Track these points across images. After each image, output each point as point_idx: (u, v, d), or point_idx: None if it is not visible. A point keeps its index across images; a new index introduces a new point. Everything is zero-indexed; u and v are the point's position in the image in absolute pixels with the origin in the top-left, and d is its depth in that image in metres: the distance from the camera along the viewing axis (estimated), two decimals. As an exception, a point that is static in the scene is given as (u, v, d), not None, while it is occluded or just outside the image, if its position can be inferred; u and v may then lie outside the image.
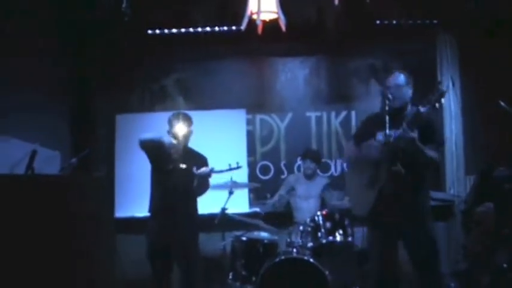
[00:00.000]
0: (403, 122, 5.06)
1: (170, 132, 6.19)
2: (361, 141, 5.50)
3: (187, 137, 6.23)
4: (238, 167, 6.38)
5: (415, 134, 4.98)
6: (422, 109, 4.95)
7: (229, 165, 6.32)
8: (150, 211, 6.29)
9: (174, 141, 6.02)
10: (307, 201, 7.63)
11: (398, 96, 5.24)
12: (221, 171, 6.32)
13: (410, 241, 5.26)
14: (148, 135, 6.10)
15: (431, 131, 5.23)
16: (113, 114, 8.43)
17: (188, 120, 6.26)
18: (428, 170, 5.48)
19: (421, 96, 5.21)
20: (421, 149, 5.03)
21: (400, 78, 5.34)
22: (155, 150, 6.09)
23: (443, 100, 4.98)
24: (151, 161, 6.20)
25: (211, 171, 6.17)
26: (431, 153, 5.15)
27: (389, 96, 5.17)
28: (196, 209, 6.39)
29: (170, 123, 6.22)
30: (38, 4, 6.95)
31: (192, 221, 6.25)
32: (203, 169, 6.08)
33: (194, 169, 6.11)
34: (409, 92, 5.33)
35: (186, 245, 6.16)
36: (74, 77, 8.25)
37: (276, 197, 7.89)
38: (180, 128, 6.09)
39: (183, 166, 5.99)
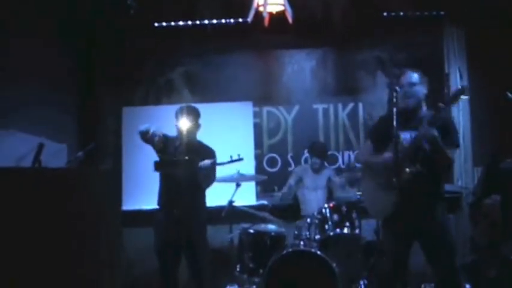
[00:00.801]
0: (419, 121, 5.01)
1: (176, 126, 6.20)
2: (379, 140, 5.42)
3: (192, 130, 6.19)
4: (239, 159, 6.37)
5: (435, 132, 4.91)
6: (441, 106, 4.87)
7: (231, 157, 6.32)
8: (158, 204, 6.30)
9: (159, 133, 5.98)
10: (315, 192, 7.65)
11: (411, 95, 5.16)
12: (222, 164, 6.32)
13: (430, 241, 5.18)
14: (145, 125, 6.08)
15: (450, 131, 5.14)
16: (119, 107, 8.45)
17: (193, 113, 6.23)
18: (445, 169, 5.43)
19: (428, 88, 5.19)
20: (441, 147, 4.97)
21: (413, 76, 5.26)
22: (155, 141, 6.08)
23: (463, 97, 4.91)
24: (156, 152, 6.20)
25: (213, 163, 6.15)
26: (449, 153, 5.09)
27: (398, 89, 5.09)
28: (204, 202, 6.37)
29: (176, 116, 6.22)
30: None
31: (199, 213, 6.24)
32: (205, 161, 6.06)
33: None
34: (423, 90, 5.25)
35: (194, 237, 6.15)
36: (80, 70, 8.25)
37: (285, 188, 7.90)
38: (184, 122, 6.07)
39: (189, 158, 5.97)
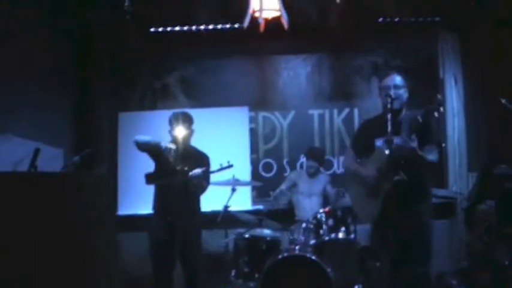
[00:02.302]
0: (400, 127, 5.04)
1: (170, 132, 6.22)
2: (361, 149, 5.47)
3: (187, 138, 6.23)
4: (229, 166, 6.36)
5: (415, 144, 4.93)
6: (420, 119, 4.93)
7: (221, 164, 6.32)
8: (153, 209, 6.32)
9: (172, 145, 6.02)
10: (309, 198, 7.64)
11: (397, 97, 5.19)
12: (212, 172, 6.33)
13: (407, 242, 5.17)
14: (144, 138, 6.11)
15: (429, 133, 5.16)
16: (115, 112, 8.45)
17: (188, 120, 6.26)
18: (429, 172, 5.45)
19: (423, 94, 5.22)
20: (421, 156, 5.00)
21: (398, 79, 5.30)
22: (152, 152, 6.12)
23: (441, 109, 4.92)
24: (154, 161, 6.23)
25: (204, 171, 6.16)
26: (430, 156, 5.08)
27: (391, 94, 5.13)
28: (198, 207, 6.40)
29: (170, 124, 6.25)
30: (40, 2, 6.96)
31: (193, 219, 6.27)
32: (196, 170, 6.07)
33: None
34: (405, 93, 5.30)
35: (188, 243, 6.18)
36: (77, 75, 8.26)
37: (277, 191, 7.90)
38: (180, 131, 6.09)
39: (184, 168, 5.99)
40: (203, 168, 6.13)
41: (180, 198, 6.04)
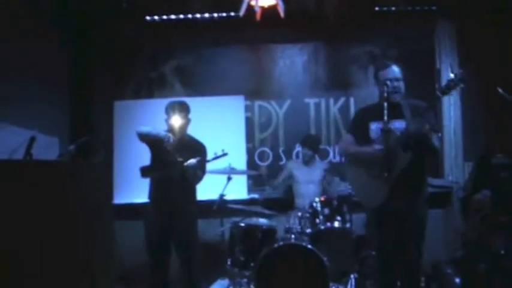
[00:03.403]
0: (401, 111, 5.06)
1: (167, 121, 6.21)
2: (359, 133, 5.45)
3: (183, 127, 6.25)
4: (224, 154, 6.37)
5: (427, 125, 4.94)
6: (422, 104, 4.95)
7: (215, 153, 6.32)
8: (149, 198, 6.31)
9: (170, 135, 6.02)
10: (307, 186, 7.64)
11: (397, 90, 5.19)
12: (208, 161, 6.33)
13: (404, 228, 5.18)
14: (145, 128, 6.11)
15: (430, 118, 5.18)
16: (111, 100, 8.43)
17: (185, 109, 6.27)
18: (432, 157, 5.45)
19: (419, 83, 5.21)
20: (432, 141, 5.02)
21: (397, 71, 5.29)
22: (152, 143, 6.12)
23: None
24: (150, 151, 6.22)
25: (199, 161, 6.16)
26: (437, 142, 5.14)
27: (389, 84, 5.13)
28: (194, 196, 6.40)
29: (167, 113, 6.25)
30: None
31: (190, 209, 6.27)
32: (191, 161, 6.07)
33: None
34: (403, 85, 5.30)
35: (185, 232, 6.18)
36: (72, 64, 8.24)
37: (275, 182, 7.94)
38: (176, 120, 6.12)
39: (179, 159, 5.99)
40: (198, 158, 6.12)
41: (177, 188, 6.08)
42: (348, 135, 5.70)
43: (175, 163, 5.96)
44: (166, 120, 6.23)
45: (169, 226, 6.11)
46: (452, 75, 4.87)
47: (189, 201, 6.30)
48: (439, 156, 8.03)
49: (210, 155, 6.34)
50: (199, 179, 6.30)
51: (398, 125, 5.04)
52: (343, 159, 6.00)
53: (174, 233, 6.15)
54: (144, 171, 6.13)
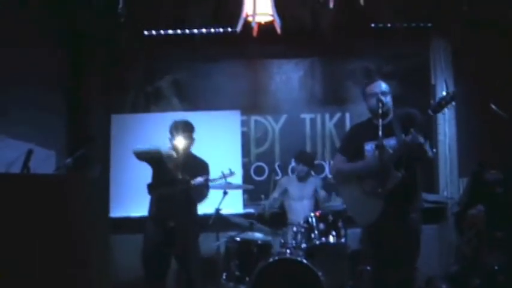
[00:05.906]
0: (392, 129, 5.09)
1: (171, 141, 6.22)
2: (351, 153, 5.48)
3: (188, 147, 6.25)
4: (231, 174, 6.41)
5: (422, 139, 4.97)
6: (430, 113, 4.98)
7: (222, 172, 6.35)
8: (149, 213, 6.31)
9: (173, 153, 6.04)
10: (301, 201, 7.64)
11: (385, 103, 5.25)
12: (215, 180, 6.34)
13: (399, 243, 5.19)
14: (143, 147, 6.12)
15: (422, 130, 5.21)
16: (108, 114, 8.44)
17: (189, 130, 6.27)
18: (425, 168, 5.47)
19: (414, 98, 5.24)
20: (426, 152, 5.05)
21: (384, 86, 5.34)
22: (152, 160, 6.13)
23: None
24: (151, 168, 6.23)
25: (206, 180, 6.18)
26: (429, 152, 5.17)
27: (382, 99, 5.18)
28: (196, 213, 6.43)
29: (171, 132, 6.24)
30: (35, 5, 6.96)
31: (192, 225, 6.29)
32: (198, 179, 6.08)
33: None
34: (391, 100, 5.34)
35: (187, 251, 6.19)
36: (70, 77, 8.25)
37: (270, 199, 7.93)
38: (180, 141, 6.11)
39: (183, 177, 6.00)
40: (205, 177, 6.14)
41: (180, 205, 6.05)
42: (338, 155, 5.73)
43: (183, 181, 5.97)
44: (170, 140, 6.23)
45: (170, 243, 6.11)
46: (444, 93, 4.92)
47: (192, 219, 6.32)
48: (434, 172, 8.07)
49: (214, 169, 6.35)
50: (204, 197, 6.32)
51: (390, 142, 5.08)
52: (335, 180, 5.99)
53: (176, 251, 6.16)
54: (152, 189, 6.14)
